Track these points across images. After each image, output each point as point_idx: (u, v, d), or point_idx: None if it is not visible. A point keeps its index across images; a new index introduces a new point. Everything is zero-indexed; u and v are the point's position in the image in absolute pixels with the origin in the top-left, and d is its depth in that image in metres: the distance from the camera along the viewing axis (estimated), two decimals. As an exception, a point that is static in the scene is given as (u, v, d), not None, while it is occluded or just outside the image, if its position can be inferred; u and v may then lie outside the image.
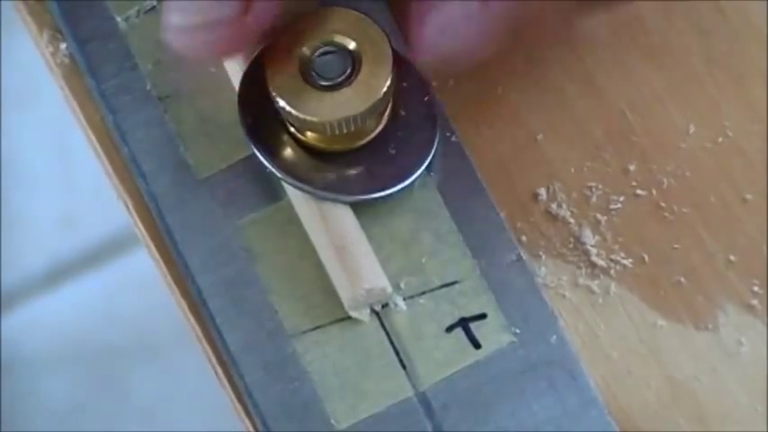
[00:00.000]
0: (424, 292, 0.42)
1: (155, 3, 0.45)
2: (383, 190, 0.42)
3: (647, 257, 0.43)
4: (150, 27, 0.45)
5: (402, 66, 0.42)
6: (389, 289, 0.41)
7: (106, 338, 1.03)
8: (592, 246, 0.43)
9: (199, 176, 0.43)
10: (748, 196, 0.44)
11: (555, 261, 0.43)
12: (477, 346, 0.41)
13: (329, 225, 0.41)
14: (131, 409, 1.02)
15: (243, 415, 0.42)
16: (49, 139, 1.05)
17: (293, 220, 0.42)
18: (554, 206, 0.43)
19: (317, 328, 0.42)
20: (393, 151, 0.43)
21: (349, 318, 0.42)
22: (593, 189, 0.44)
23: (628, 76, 0.45)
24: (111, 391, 1.02)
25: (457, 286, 0.42)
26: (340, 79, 0.40)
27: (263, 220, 0.43)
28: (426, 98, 0.43)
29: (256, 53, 0.43)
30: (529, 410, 0.41)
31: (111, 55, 0.45)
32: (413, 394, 0.41)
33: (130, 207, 0.44)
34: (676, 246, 0.43)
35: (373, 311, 0.42)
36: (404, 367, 0.41)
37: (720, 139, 0.44)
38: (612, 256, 0.43)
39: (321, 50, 0.41)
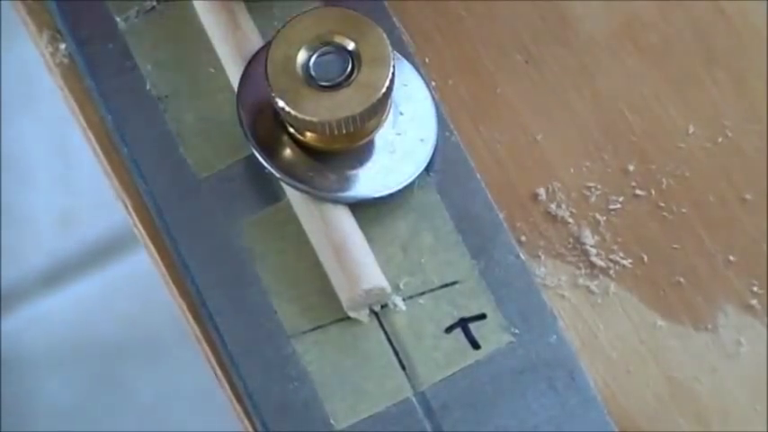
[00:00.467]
0: (423, 293, 0.42)
1: (154, 3, 0.45)
2: (383, 190, 0.42)
3: (646, 258, 0.43)
4: (150, 27, 0.45)
5: (401, 66, 0.43)
6: (388, 289, 0.41)
7: (106, 338, 1.03)
8: (591, 246, 0.43)
9: (198, 176, 0.43)
10: (748, 196, 0.44)
11: (554, 261, 0.43)
12: (476, 346, 0.41)
13: (328, 226, 0.41)
14: (131, 409, 1.02)
15: (242, 415, 0.42)
16: (49, 139, 1.04)
17: (293, 220, 0.42)
18: (553, 206, 0.43)
19: (317, 328, 0.42)
20: (393, 152, 0.43)
21: (348, 318, 0.42)
22: (593, 189, 0.44)
23: (627, 76, 0.45)
24: (111, 391, 1.02)
25: (456, 286, 0.42)
26: (340, 79, 0.40)
27: (263, 221, 0.43)
28: (426, 98, 0.43)
29: (255, 53, 0.43)
30: (528, 410, 0.41)
31: (111, 55, 0.45)
32: (412, 394, 0.41)
33: (130, 207, 0.44)
34: (676, 246, 0.43)
35: (372, 312, 0.42)
36: (403, 367, 0.41)
37: (720, 139, 0.44)
38: (612, 257, 0.43)
39: (321, 50, 0.41)
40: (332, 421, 0.41)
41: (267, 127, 0.42)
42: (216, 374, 0.42)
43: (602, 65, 0.45)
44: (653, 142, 0.44)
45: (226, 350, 0.41)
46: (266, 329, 0.41)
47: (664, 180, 0.44)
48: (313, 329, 0.42)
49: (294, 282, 0.42)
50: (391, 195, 0.42)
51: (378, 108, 0.40)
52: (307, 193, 0.42)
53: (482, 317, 0.41)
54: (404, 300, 0.42)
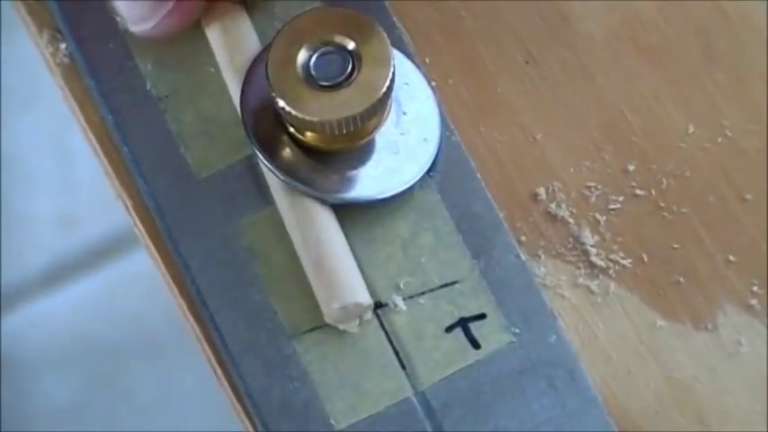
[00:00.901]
0: (423, 292, 0.42)
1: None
2: (386, 191, 0.42)
3: (646, 257, 0.43)
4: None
5: (403, 65, 0.43)
6: (366, 302, 0.41)
7: (106, 338, 1.03)
8: (591, 246, 0.43)
9: (198, 176, 0.43)
10: (748, 196, 0.44)
11: (554, 261, 0.43)
12: (476, 346, 0.41)
13: (309, 236, 0.41)
14: (131, 409, 1.02)
15: (243, 415, 0.42)
16: (49, 139, 1.04)
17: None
18: (553, 206, 0.43)
19: (317, 328, 0.42)
20: (396, 152, 0.43)
21: (349, 318, 0.42)
22: (593, 189, 0.44)
23: (627, 76, 0.45)
24: (111, 391, 1.02)
25: (456, 286, 0.42)
26: (340, 79, 0.40)
27: (263, 221, 0.43)
28: (429, 97, 0.43)
29: (259, 54, 0.43)
30: (528, 410, 0.41)
31: (111, 55, 0.45)
32: (412, 394, 0.41)
33: (130, 207, 0.44)
34: (676, 246, 0.43)
35: (374, 312, 0.42)
36: (403, 367, 0.41)
37: (720, 139, 0.44)
38: (612, 256, 0.43)
39: (321, 50, 0.41)
40: (332, 421, 0.41)
41: (268, 128, 0.42)
42: (216, 374, 0.42)
43: (602, 65, 0.45)
44: (653, 142, 0.44)
45: (226, 350, 0.41)
46: (266, 329, 0.41)
47: (664, 180, 0.44)
48: (313, 329, 0.42)
49: (294, 282, 0.42)
50: (393, 196, 0.42)
51: (378, 108, 0.40)
52: (308, 194, 0.42)
53: (482, 317, 0.41)
54: (404, 299, 0.42)
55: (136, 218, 0.44)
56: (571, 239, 0.43)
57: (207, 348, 0.42)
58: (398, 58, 0.42)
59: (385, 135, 0.42)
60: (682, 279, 0.43)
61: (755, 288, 0.43)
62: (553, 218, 0.43)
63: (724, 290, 0.43)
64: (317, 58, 0.41)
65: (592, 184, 0.44)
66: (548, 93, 0.45)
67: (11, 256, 1.03)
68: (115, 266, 1.04)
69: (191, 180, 0.43)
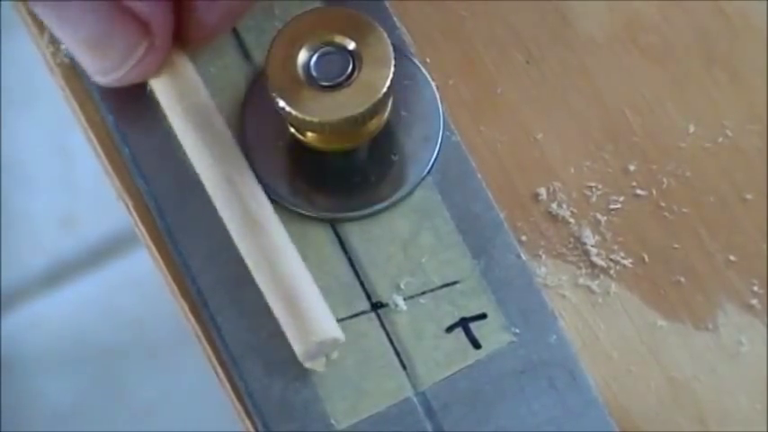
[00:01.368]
0: (424, 292, 0.42)
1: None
2: (388, 192, 0.42)
3: (646, 257, 0.43)
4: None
5: (404, 64, 0.43)
6: (342, 337, 0.40)
7: (106, 338, 1.03)
8: (592, 246, 0.43)
9: (199, 176, 0.43)
10: (748, 196, 0.44)
11: (555, 261, 0.43)
12: (477, 346, 0.41)
13: (275, 273, 0.40)
14: (131, 409, 1.02)
15: (243, 415, 0.42)
16: (49, 139, 1.05)
17: (293, 220, 0.42)
18: (554, 206, 0.43)
19: (318, 328, 0.42)
20: (397, 152, 0.43)
21: (349, 318, 0.42)
22: (593, 189, 0.44)
23: (628, 76, 0.45)
24: (110, 391, 1.02)
25: (457, 286, 0.42)
26: (340, 79, 0.40)
27: (264, 220, 0.43)
28: (430, 97, 0.43)
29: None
30: (529, 410, 0.41)
31: (112, 55, 0.44)
32: (413, 394, 0.41)
33: (130, 207, 0.44)
34: (676, 245, 0.43)
35: (374, 312, 0.42)
36: (404, 367, 0.41)
37: (720, 139, 0.44)
38: (612, 256, 0.43)
39: (321, 50, 0.41)
40: (332, 421, 0.41)
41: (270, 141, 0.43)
42: (216, 374, 0.42)
43: (602, 65, 0.45)
44: (653, 142, 0.44)
45: (226, 350, 0.41)
46: (267, 329, 0.41)
47: (664, 180, 0.44)
48: (314, 329, 0.42)
49: (295, 282, 0.42)
50: (393, 196, 0.42)
51: (379, 108, 0.40)
52: (308, 196, 0.42)
53: (483, 316, 0.41)
54: (404, 299, 0.42)
55: (137, 218, 0.44)
56: (572, 239, 0.43)
57: (207, 348, 0.42)
58: (399, 57, 0.42)
59: (386, 135, 0.42)
60: (682, 279, 0.43)
61: (756, 288, 0.43)
62: (554, 218, 0.43)
63: (724, 290, 0.43)
64: (317, 59, 0.41)
65: (592, 184, 0.44)
66: (548, 93, 0.45)
67: (11, 256, 1.03)
68: (115, 267, 1.04)
69: (192, 180, 0.43)
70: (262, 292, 0.40)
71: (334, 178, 0.43)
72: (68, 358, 1.03)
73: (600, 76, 0.45)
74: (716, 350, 0.42)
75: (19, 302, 1.03)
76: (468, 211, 0.43)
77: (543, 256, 0.43)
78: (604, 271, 0.43)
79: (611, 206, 0.43)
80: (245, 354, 0.41)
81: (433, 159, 0.43)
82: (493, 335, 0.41)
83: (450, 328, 0.41)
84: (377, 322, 0.42)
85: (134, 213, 0.44)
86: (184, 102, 0.41)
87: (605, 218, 0.43)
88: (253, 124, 0.43)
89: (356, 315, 0.42)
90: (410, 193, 0.42)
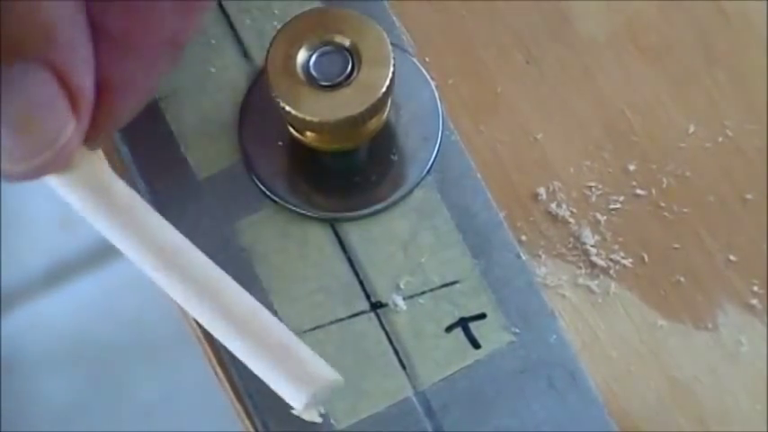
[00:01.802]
0: (423, 292, 0.42)
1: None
2: (388, 193, 0.42)
3: (646, 257, 0.43)
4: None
5: (404, 64, 0.42)
6: (339, 379, 0.34)
7: (106, 338, 1.03)
8: (591, 245, 0.43)
9: (199, 176, 0.43)
10: (748, 196, 0.44)
11: (555, 261, 0.43)
12: (476, 345, 0.41)
13: (261, 327, 0.35)
14: (131, 409, 1.02)
15: (243, 415, 0.42)
16: (49, 139, 1.04)
17: (293, 220, 0.42)
18: (554, 206, 0.43)
19: (317, 327, 0.42)
20: (396, 152, 0.43)
21: (349, 318, 0.42)
22: (593, 189, 0.44)
23: (628, 75, 0.45)
24: (110, 391, 1.02)
25: (457, 286, 0.42)
26: (340, 79, 0.40)
27: (264, 221, 0.43)
28: (429, 96, 0.43)
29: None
30: (529, 410, 0.41)
31: (111, 55, 0.44)
32: (413, 394, 0.41)
33: (130, 207, 0.44)
34: (676, 245, 0.43)
35: (374, 312, 0.42)
36: (403, 367, 0.41)
37: (720, 139, 0.44)
38: (612, 256, 0.43)
39: (321, 50, 0.41)
40: (332, 421, 0.41)
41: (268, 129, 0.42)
42: (216, 374, 0.42)
43: (602, 65, 0.45)
44: (653, 142, 0.44)
45: (226, 350, 0.41)
46: (267, 329, 0.41)
47: (664, 180, 0.44)
48: (313, 329, 0.42)
49: (295, 281, 0.42)
50: (393, 196, 0.42)
51: (378, 108, 0.40)
52: (309, 197, 0.42)
53: (482, 316, 0.41)
54: (404, 299, 0.42)
55: (136, 218, 0.43)
56: (572, 239, 0.43)
57: (207, 348, 0.42)
58: (398, 57, 0.42)
59: (385, 134, 0.42)
60: (682, 279, 0.43)
61: (756, 288, 0.43)
62: (553, 218, 0.43)
63: (724, 289, 0.43)
64: (317, 58, 0.41)
65: (592, 184, 0.44)
66: (548, 93, 0.45)
67: (11, 257, 1.03)
68: (115, 267, 1.04)
69: (191, 180, 0.43)
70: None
71: (334, 178, 0.43)
72: (68, 358, 1.03)
73: (600, 76, 0.45)
74: (716, 350, 0.42)
75: (19, 302, 1.03)
76: (468, 210, 0.43)
77: (543, 256, 0.43)
78: (604, 271, 0.43)
79: (611, 206, 0.43)
80: (244, 354, 0.41)
81: (432, 159, 0.43)
82: (492, 335, 0.41)
83: (449, 328, 0.41)
84: (376, 322, 0.42)
85: (134, 213, 0.44)
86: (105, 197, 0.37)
87: (605, 218, 0.43)
88: (252, 124, 0.43)
89: (356, 315, 0.42)
90: (410, 192, 0.42)
